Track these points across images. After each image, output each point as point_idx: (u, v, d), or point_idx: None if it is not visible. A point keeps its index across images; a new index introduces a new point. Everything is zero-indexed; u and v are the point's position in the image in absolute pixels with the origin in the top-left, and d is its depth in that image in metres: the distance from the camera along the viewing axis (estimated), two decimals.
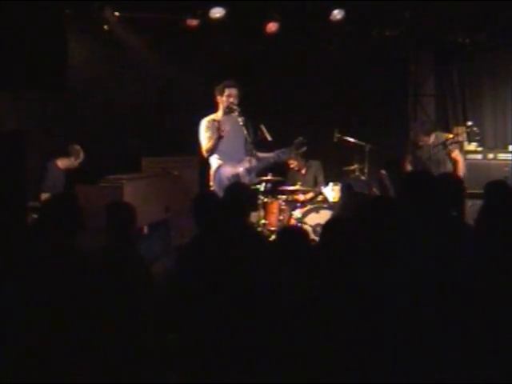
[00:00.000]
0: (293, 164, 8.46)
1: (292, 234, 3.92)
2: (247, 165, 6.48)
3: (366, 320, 3.21)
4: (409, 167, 7.94)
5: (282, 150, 6.66)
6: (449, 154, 7.65)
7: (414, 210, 3.87)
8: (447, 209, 4.01)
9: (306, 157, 8.36)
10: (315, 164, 8.55)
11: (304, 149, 6.80)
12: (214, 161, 6.51)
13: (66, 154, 7.54)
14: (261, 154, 6.63)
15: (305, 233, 3.97)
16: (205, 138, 6.46)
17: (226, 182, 6.26)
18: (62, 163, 7.51)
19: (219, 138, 6.37)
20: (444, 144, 7.73)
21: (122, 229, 4.17)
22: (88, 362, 3.37)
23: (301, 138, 6.65)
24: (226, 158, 6.45)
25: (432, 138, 7.84)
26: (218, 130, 6.42)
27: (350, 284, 3.33)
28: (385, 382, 3.11)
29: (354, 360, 3.15)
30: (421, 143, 7.84)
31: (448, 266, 3.49)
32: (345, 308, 3.25)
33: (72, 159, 7.52)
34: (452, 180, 4.56)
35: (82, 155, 7.56)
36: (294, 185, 8.28)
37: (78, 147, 7.56)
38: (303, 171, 8.53)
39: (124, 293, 3.70)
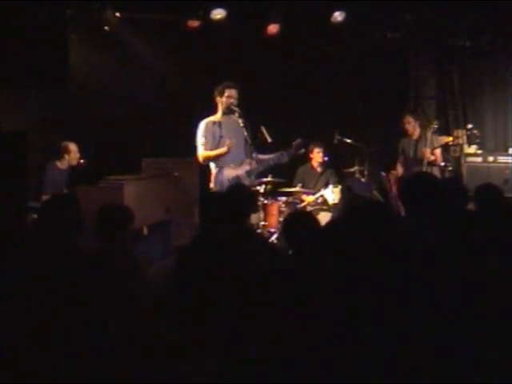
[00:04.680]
0: (319, 153, 8.43)
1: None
2: (248, 167, 6.47)
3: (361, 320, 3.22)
4: (400, 169, 7.93)
5: (281, 152, 6.64)
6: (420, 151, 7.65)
7: (416, 214, 3.87)
8: (449, 212, 4.02)
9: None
10: (330, 170, 8.54)
11: (303, 150, 6.80)
12: (213, 164, 6.50)
13: (58, 154, 7.50)
14: (261, 156, 6.62)
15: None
16: (201, 143, 6.42)
17: (227, 185, 6.25)
18: (60, 164, 7.50)
19: (225, 152, 6.36)
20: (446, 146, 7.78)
21: (112, 232, 4.16)
22: (88, 363, 3.37)
23: (299, 140, 6.64)
24: (227, 160, 6.44)
25: (417, 133, 7.79)
26: (220, 131, 6.40)
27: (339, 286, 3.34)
28: (382, 381, 3.11)
29: (349, 359, 3.17)
30: (407, 126, 7.77)
31: (447, 268, 3.48)
32: (341, 308, 3.26)
33: (65, 157, 7.47)
34: (456, 184, 4.58)
35: (72, 149, 7.48)
36: (302, 181, 8.29)
37: (64, 143, 7.49)
38: (319, 169, 8.50)
39: (118, 294, 3.70)
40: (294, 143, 6.62)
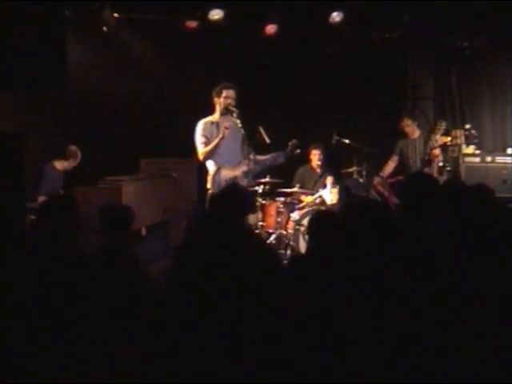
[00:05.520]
0: (316, 155, 8.40)
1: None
2: (245, 168, 6.48)
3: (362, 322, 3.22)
4: (391, 165, 8.00)
5: (278, 152, 6.65)
6: (430, 151, 7.69)
7: (413, 213, 3.88)
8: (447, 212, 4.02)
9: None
10: (329, 173, 8.51)
11: (298, 151, 6.80)
12: (211, 164, 6.49)
13: (63, 155, 7.54)
14: (258, 157, 6.63)
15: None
16: (201, 142, 6.43)
17: (224, 185, 6.25)
18: (60, 165, 7.52)
19: (221, 138, 6.35)
20: (444, 146, 7.81)
21: (115, 232, 4.17)
22: (87, 362, 3.37)
23: (295, 141, 6.64)
24: (224, 161, 6.44)
25: (417, 133, 7.94)
26: (217, 131, 6.41)
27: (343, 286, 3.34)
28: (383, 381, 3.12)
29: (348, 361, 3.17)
30: (406, 129, 7.92)
31: (446, 267, 3.49)
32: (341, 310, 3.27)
33: (70, 161, 7.53)
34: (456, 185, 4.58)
35: (79, 155, 7.56)
36: (302, 182, 8.28)
37: (74, 148, 7.56)
38: (319, 171, 8.46)
39: (117, 294, 3.70)
40: (289, 144, 6.63)
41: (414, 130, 7.92)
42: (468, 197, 4.45)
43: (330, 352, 3.19)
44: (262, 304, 3.46)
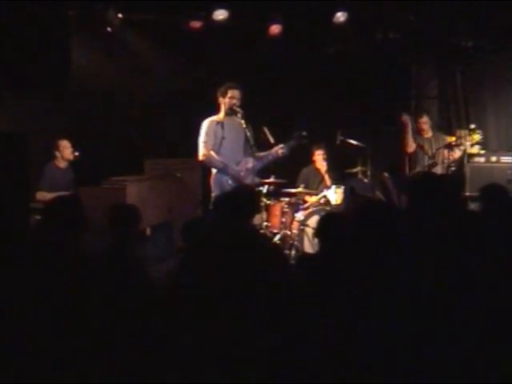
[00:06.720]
0: (319, 155, 8.40)
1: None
2: (247, 166, 6.47)
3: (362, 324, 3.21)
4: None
5: (281, 145, 6.63)
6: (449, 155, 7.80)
7: (421, 213, 3.87)
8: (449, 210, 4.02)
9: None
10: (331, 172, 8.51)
11: (305, 141, 6.77)
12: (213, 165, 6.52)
13: (52, 153, 7.52)
14: (260, 154, 6.62)
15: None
16: (203, 141, 6.43)
17: (227, 185, 6.26)
18: (59, 162, 7.51)
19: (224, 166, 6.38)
20: (449, 146, 7.83)
21: (122, 230, 4.17)
22: (88, 362, 3.37)
23: (299, 132, 6.63)
24: (227, 161, 6.44)
25: (430, 133, 8.10)
26: (222, 131, 6.40)
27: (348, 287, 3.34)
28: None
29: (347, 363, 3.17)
30: (423, 125, 8.07)
31: (451, 267, 3.48)
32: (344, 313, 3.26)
33: (58, 154, 7.48)
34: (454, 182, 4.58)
35: (61, 143, 7.48)
36: (306, 183, 8.27)
37: (53, 141, 7.51)
38: (323, 171, 8.46)
39: (124, 293, 3.70)
40: (293, 135, 6.62)
41: (428, 129, 8.04)
42: (481, 196, 4.46)
43: (337, 352, 3.19)
44: (271, 304, 3.46)
